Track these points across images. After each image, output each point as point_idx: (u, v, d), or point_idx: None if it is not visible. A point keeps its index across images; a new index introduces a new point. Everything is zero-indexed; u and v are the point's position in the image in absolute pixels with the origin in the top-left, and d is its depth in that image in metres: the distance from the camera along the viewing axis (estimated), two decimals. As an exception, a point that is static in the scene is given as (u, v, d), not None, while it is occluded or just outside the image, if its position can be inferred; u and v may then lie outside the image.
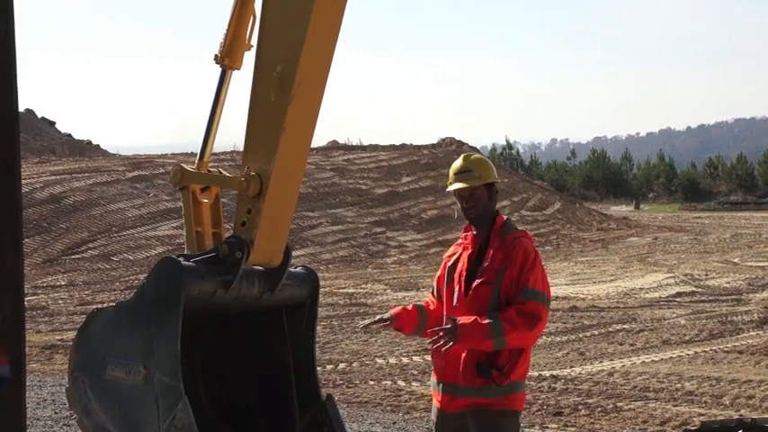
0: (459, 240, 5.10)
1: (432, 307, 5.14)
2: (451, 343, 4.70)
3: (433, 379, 5.02)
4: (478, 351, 4.77)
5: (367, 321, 5.21)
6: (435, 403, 5.01)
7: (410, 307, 5.16)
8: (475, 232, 4.98)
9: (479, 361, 4.77)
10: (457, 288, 4.91)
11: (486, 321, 4.70)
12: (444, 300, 4.99)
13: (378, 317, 5.21)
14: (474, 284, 4.85)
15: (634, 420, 8.88)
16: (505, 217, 5.07)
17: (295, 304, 4.80)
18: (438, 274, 5.15)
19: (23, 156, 25.81)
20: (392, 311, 5.16)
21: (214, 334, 4.88)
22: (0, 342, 3.65)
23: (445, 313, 4.93)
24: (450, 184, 5.03)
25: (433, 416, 5.05)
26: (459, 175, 4.99)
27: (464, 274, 4.91)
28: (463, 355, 4.81)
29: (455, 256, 5.03)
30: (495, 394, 4.78)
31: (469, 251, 4.97)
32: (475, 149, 40.80)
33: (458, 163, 5.06)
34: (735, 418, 8.65)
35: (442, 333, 4.72)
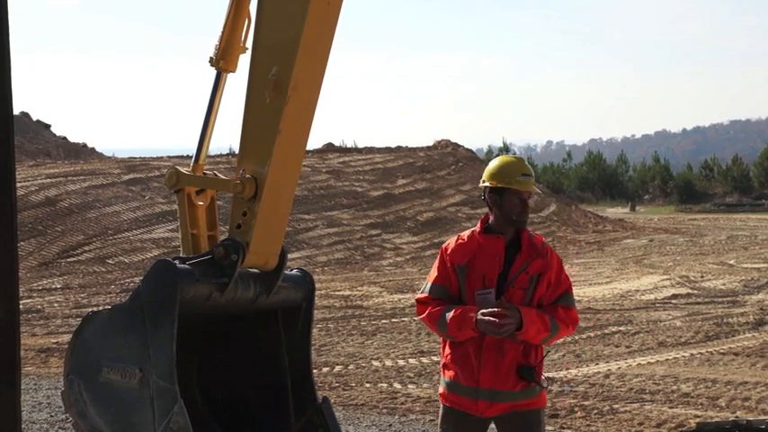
0: (464, 238, 4.89)
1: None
2: (513, 328, 4.61)
3: (454, 381, 4.83)
4: (515, 354, 4.73)
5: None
6: (461, 407, 4.82)
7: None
8: (503, 236, 4.83)
9: (519, 364, 4.74)
10: (491, 290, 4.75)
11: (546, 316, 4.73)
12: (465, 300, 4.79)
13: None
14: (509, 288, 4.76)
15: (630, 422, 8.87)
16: None
17: (291, 307, 4.80)
18: (435, 274, 4.88)
19: (18, 159, 25.78)
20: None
21: (210, 337, 4.87)
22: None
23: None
24: (517, 181, 4.81)
25: (447, 420, 4.88)
26: (527, 177, 4.85)
27: (495, 276, 4.79)
28: (499, 359, 4.73)
29: (468, 258, 4.81)
30: (534, 394, 4.83)
31: (496, 255, 4.80)
32: (470, 152, 40.78)
33: (518, 162, 4.92)
34: (730, 419, 8.68)
35: (508, 314, 4.59)
